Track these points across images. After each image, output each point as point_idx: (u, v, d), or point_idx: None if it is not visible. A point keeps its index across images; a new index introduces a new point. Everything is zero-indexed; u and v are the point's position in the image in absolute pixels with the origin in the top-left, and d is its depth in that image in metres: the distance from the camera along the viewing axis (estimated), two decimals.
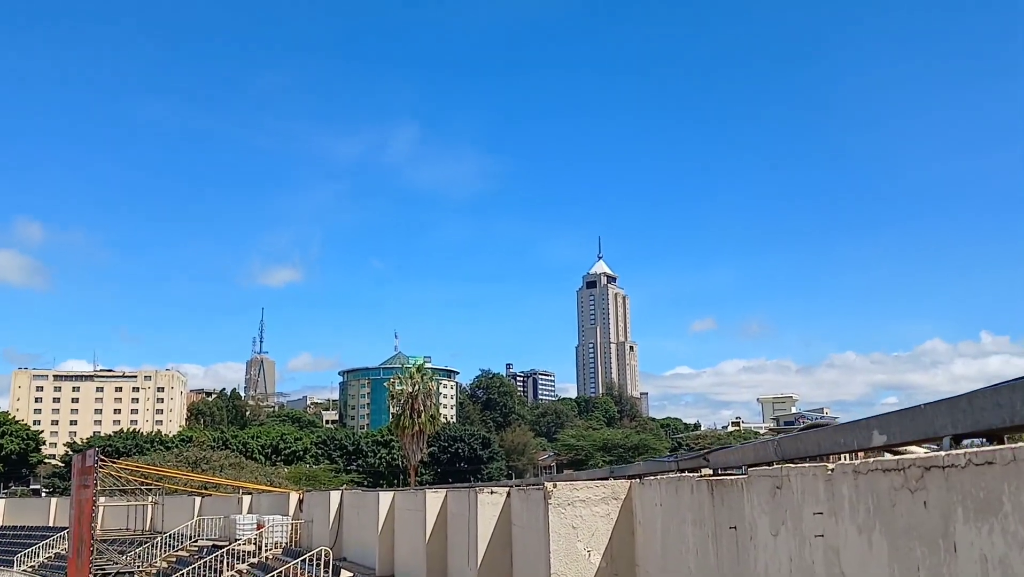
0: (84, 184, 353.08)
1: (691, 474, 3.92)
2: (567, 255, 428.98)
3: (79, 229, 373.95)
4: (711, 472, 3.94)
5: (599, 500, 5.38)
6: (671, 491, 4.16)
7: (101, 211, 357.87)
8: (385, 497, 27.05)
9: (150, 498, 49.66)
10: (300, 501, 38.65)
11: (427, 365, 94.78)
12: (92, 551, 31.56)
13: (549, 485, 5.41)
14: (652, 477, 4.85)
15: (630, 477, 5.62)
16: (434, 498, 20.34)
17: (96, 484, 33.19)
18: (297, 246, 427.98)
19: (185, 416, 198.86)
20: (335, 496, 33.96)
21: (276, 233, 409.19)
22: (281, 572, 26.68)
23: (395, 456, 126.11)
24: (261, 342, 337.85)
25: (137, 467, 53.87)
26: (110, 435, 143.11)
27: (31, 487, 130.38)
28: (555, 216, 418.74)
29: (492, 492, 13.05)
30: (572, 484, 5.45)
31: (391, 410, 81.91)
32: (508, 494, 12.93)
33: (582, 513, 5.35)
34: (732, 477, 3.74)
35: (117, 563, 33.54)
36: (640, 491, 5.16)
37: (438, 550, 19.88)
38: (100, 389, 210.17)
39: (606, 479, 5.89)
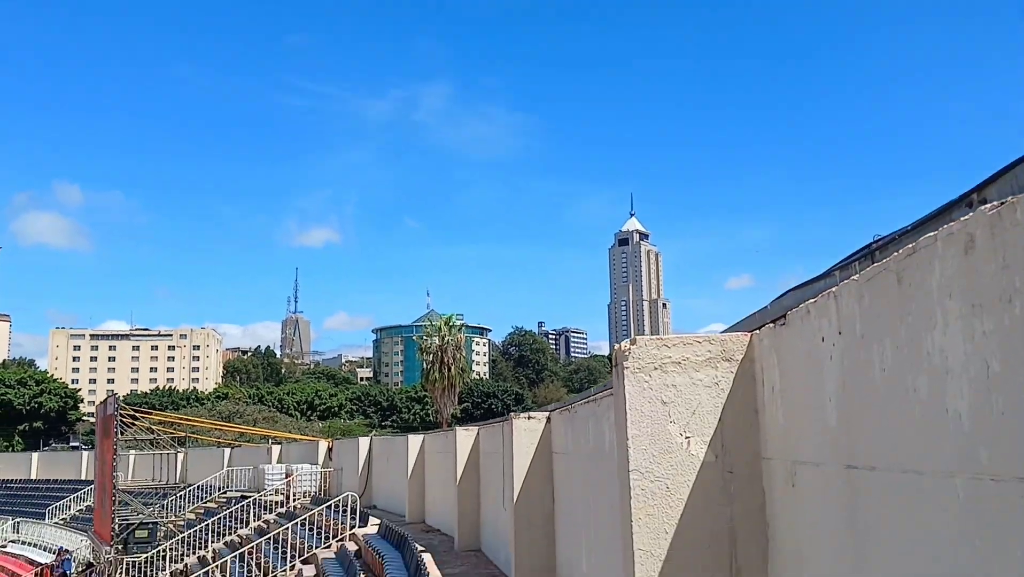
0: (121, 147, 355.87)
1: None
2: (599, 213, 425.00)
3: (117, 191, 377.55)
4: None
5: (703, 363, 3.50)
6: (875, 293, 2.24)
7: (139, 173, 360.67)
8: (414, 441, 25.56)
9: (178, 450, 48.95)
10: (329, 449, 37.44)
11: (459, 322, 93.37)
12: (114, 501, 30.54)
13: (625, 344, 3.53)
14: (805, 305, 2.94)
15: (749, 331, 3.71)
16: (465, 437, 18.68)
17: (117, 434, 32.11)
18: (333, 206, 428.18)
19: (221, 374, 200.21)
20: (364, 443, 32.63)
21: (313, 194, 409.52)
22: (306, 519, 25.35)
23: (428, 412, 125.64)
24: (296, 302, 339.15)
25: (165, 418, 53.22)
26: (146, 392, 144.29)
27: (71, 444, 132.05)
28: (587, 174, 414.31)
29: (530, 417, 11.27)
30: (661, 340, 3.55)
31: (422, 364, 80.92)
32: (548, 420, 11.14)
33: (677, 382, 3.48)
34: None
35: (141, 514, 32.53)
36: (774, 342, 3.26)
37: (470, 492, 18.27)
38: (136, 348, 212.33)
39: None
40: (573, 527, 9.39)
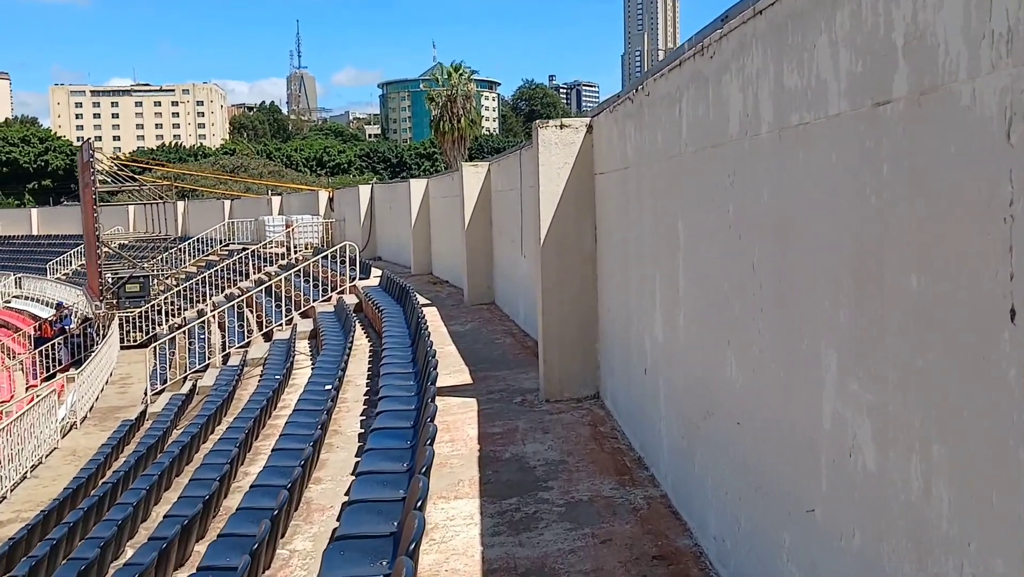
0: None
1: None
2: None
3: None
4: None
5: None
6: None
7: None
8: (417, 185, 22.75)
9: (177, 202, 46.74)
10: (330, 200, 34.92)
11: (468, 71, 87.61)
12: (99, 254, 28.44)
13: None
14: None
15: None
16: (474, 175, 15.75)
17: (94, 182, 29.42)
18: None
19: (227, 131, 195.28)
20: (364, 191, 29.95)
21: None
22: (302, 271, 23.16)
23: (438, 167, 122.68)
24: (299, 57, 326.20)
25: (169, 170, 50.63)
26: (153, 149, 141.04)
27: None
28: None
29: (563, 127, 8.13)
30: None
31: (431, 115, 76.88)
32: (589, 128, 8.02)
33: None
34: None
35: (134, 268, 30.59)
36: None
37: (482, 238, 15.61)
38: (139, 104, 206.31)
39: None
40: (635, 272, 6.59)
